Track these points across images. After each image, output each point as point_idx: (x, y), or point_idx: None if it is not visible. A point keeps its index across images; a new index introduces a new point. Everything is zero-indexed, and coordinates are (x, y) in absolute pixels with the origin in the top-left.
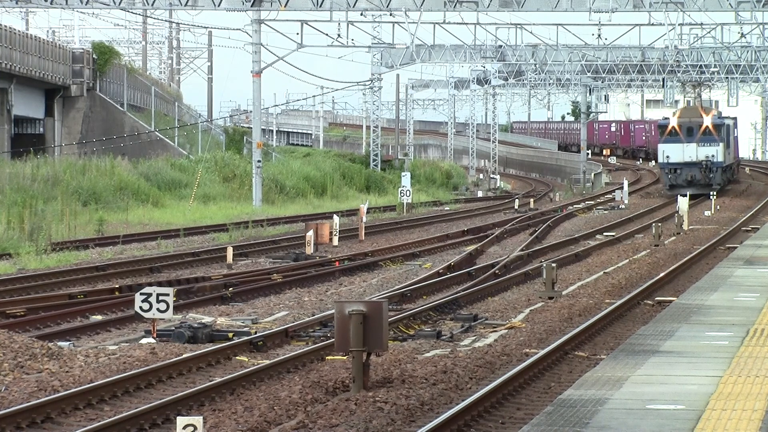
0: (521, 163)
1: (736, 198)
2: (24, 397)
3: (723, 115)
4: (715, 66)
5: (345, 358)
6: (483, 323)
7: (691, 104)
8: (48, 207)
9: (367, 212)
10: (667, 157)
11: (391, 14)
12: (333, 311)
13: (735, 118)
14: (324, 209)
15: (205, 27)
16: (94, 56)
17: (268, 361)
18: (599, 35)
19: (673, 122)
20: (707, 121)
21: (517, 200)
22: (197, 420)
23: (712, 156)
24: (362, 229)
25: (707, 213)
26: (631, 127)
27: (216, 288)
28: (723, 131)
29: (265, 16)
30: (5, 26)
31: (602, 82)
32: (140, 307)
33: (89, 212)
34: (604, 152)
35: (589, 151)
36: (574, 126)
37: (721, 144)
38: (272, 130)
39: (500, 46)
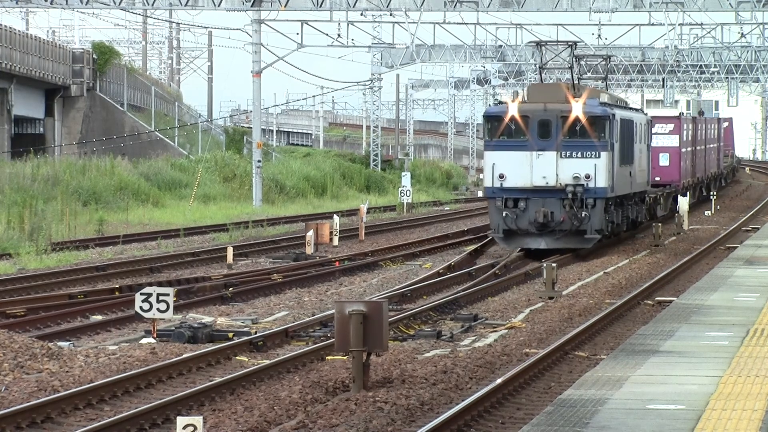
0: None
1: (736, 198)
2: (24, 397)
3: (618, 101)
4: (715, 66)
5: (345, 358)
6: (483, 323)
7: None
8: (48, 207)
9: (367, 212)
10: (501, 176)
11: (391, 14)
12: (333, 311)
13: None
14: (324, 209)
15: (205, 27)
16: (94, 56)
17: (268, 361)
18: (599, 35)
19: (513, 111)
20: (578, 109)
21: None
22: (197, 420)
23: (587, 177)
24: (362, 229)
25: (707, 213)
26: None
27: (216, 288)
28: (611, 130)
29: (265, 16)
30: (5, 26)
31: (602, 81)
32: (140, 307)
33: (89, 212)
34: None
35: None
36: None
37: (604, 153)
38: (272, 130)
39: (500, 46)
